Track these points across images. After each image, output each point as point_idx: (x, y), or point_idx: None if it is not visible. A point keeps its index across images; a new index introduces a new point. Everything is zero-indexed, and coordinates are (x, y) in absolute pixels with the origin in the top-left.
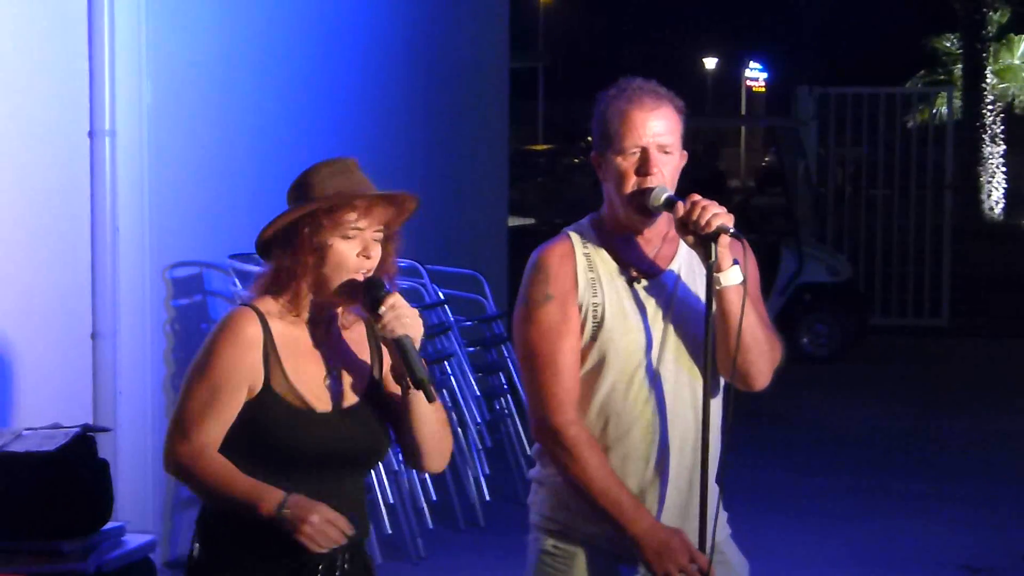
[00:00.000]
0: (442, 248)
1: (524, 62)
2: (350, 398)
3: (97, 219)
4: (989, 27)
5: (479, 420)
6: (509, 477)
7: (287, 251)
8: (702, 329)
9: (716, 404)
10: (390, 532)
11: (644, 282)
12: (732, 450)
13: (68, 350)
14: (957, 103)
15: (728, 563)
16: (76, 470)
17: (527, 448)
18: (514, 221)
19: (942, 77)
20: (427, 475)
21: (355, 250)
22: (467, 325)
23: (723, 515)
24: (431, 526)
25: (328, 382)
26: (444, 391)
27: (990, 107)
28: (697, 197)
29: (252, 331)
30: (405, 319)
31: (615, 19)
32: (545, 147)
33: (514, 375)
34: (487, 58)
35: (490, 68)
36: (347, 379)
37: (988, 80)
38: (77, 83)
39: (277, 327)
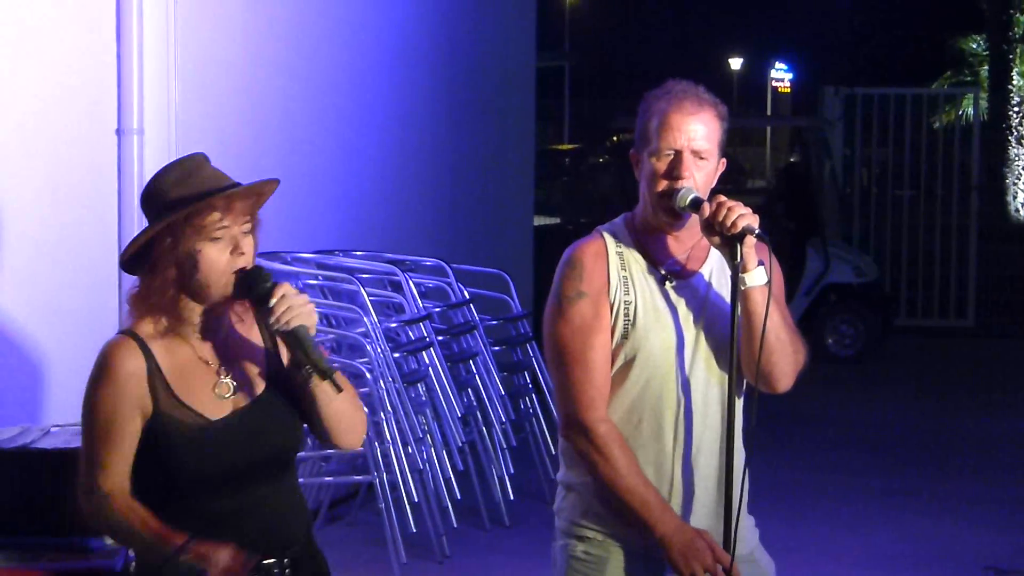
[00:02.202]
0: (468, 247)
1: (550, 61)
2: (245, 397)
3: (124, 218)
4: (1016, 28)
5: (504, 419)
6: (534, 476)
7: (151, 268)
8: (729, 331)
9: (739, 406)
10: (415, 531)
11: (676, 282)
12: (757, 450)
13: (95, 348)
14: (983, 104)
15: (758, 564)
16: None
17: (552, 447)
18: (540, 220)
19: (968, 78)
20: (451, 474)
21: (226, 251)
22: (492, 324)
23: (750, 519)
24: (456, 525)
25: (220, 387)
26: (469, 390)
27: (1017, 108)
28: (722, 198)
29: (130, 363)
30: (298, 309)
31: (641, 19)
32: (571, 146)
33: (539, 374)
34: (513, 57)
35: (516, 67)
36: (244, 376)
37: (1015, 81)
38: (105, 82)
39: (159, 349)
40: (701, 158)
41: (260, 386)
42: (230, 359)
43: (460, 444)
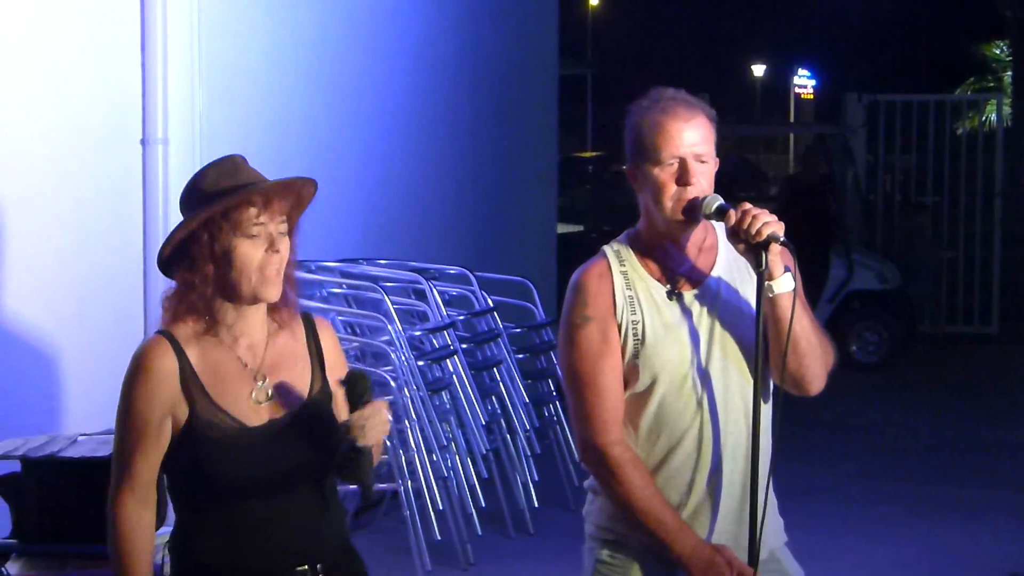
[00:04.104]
0: (491, 255)
1: (573, 69)
2: (281, 409)
3: (149, 226)
4: None
5: (528, 427)
6: (558, 483)
7: (189, 266)
8: (748, 336)
9: (767, 411)
10: (439, 538)
11: (683, 294)
12: (782, 456)
13: (121, 356)
14: (1007, 110)
15: (784, 572)
16: None
17: (576, 455)
18: (563, 228)
19: (991, 84)
20: (476, 482)
21: (261, 248)
22: (516, 332)
23: (779, 521)
24: (480, 532)
25: (256, 396)
26: (493, 397)
27: None
28: (748, 206)
29: (165, 363)
30: (378, 430)
31: (664, 26)
32: (594, 154)
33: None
34: (536, 65)
35: (539, 75)
36: (283, 385)
37: None
38: (130, 92)
39: (194, 351)
40: (702, 161)
41: (299, 397)
42: (269, 365)
43: (484, 451)
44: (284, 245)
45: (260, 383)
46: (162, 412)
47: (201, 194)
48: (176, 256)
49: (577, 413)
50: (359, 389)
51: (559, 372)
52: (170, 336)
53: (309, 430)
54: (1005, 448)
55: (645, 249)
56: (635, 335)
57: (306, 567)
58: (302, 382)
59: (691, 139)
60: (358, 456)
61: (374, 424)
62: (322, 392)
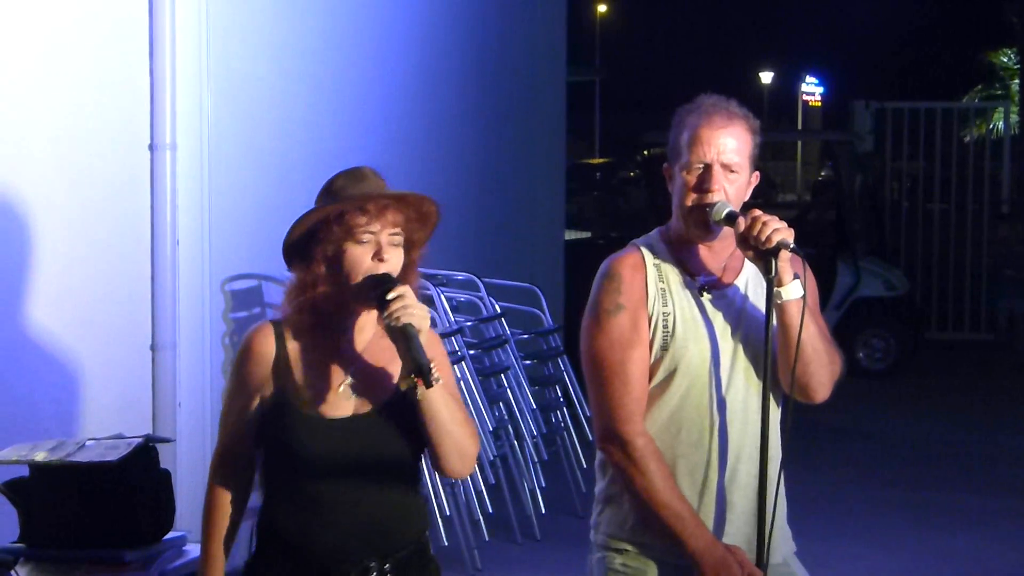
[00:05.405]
0: (499, 261)
1: (581, 76)
2: (368, 404)
3: (157, 232)
4: None
5: (535, 433)
6: (565, 490)
7: (306, 264)
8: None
9: (777, 417)
10: (446, 544)
11: (712, 293)
12: (789, 463)
13: (129, 362)
14: (1014, 117)
15: (792, 572)
16: (138, 480)
17: (583, 461)
18: (570, 234)
19: (999, 91)
20: (483, 488)
21: (368, 253)
22: (524, 338)
23: (788, 530)
24: (487, 538)
25: (344, 389)
26: (500, 403)
27: None
28: (758, 212)
29: (263, 347)
30: (412, 309)
31: (672, 33)
32: (602, 160)
33: (570, 388)
34: (544, 71)
35: (547, 82)
36: (368, 386)
37: None
38: (139, 97)
39: (295, 342)
40: (731, 171)
41: (379, 402)
42: (363, 365)
43: (491, 458)
44: (394, 255)
45: (350, 379)
46: (252, 388)
47: (327, 197)
48: (296, 253)
49: (601, 401)
50: (379, 283)
51: (567, 377)
52: (276, 324)
53: (391, 427)
54: (1014, 456)
55: (675, 247)
56: (665, 327)
57: (374, 563)
58: (391, 382)
59: (722, 147)
60: (400, 335)
61: (403, 303)
62: (404, 394)
